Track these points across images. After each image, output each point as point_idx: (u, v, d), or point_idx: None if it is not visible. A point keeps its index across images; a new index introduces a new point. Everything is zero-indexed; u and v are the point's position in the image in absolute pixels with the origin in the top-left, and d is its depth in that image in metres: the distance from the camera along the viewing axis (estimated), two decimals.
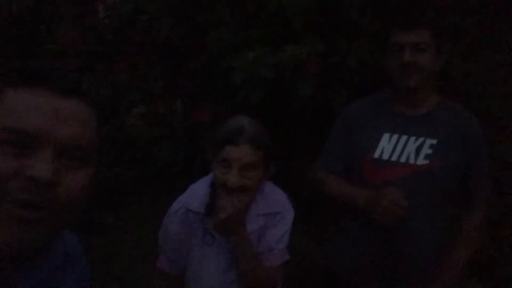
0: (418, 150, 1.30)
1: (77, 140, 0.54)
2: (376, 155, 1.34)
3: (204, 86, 2.11)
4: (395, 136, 1.34)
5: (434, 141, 1.30)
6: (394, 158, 1.32)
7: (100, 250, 2.70)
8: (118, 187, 2.99)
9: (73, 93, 0.56)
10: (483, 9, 2.00)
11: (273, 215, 1.20)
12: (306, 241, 1.29)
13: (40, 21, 3.69)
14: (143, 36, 2.15)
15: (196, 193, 1.21)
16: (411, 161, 1.30)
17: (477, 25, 1.96)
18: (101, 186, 2.81)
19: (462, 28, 1.92)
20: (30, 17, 3.59)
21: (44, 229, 0.52)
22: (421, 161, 1.29)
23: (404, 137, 1.33)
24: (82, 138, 0.55)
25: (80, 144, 0.55)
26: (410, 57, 1.27)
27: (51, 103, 0.53)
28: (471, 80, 1.93)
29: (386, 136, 1.34)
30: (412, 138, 1.32)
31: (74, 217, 0.57)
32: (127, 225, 3.09)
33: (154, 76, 2.29)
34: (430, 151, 1.29)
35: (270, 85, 1.71)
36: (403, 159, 1.31)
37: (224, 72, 1.82)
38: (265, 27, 1.79)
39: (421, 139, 1.31)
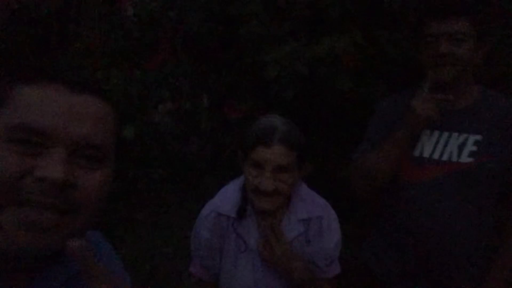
0: (461, 147, 1.22)
1: (92, 139, 0.51)
2: (416, 153, 1.26)
3: (234, 82, 2.06)
4: (436, 133, 1.26)
5: (479, 137, 1.22)
6: (435, 156, 1.24)
7: (131, 246, 2.73)
8: (147, 184, 3.00)
9: (88, 89, 0.53)
10: None
11: (314, 221, 1.13)
12: (342, 241, 1.23)
13: (68, 20, 3.74)
14: (172, 33, 2.11)
15: (227, 197, 1.15)
16: (454, 159, 1.22)
17: None
18: (131, 183, 2.83)
19: (510, 14, 1.79)
20: (58, 17, 3.64)
21: (59, 234, 0.49)
22: (465, 159, 1.21)
23: (446, 134, 1.25)
24: (98, 137, 0.52)
25: (95, 143, 0.51)
26: (445, 48, 1.18)
27: (64, 99, 0.50)
28: None
29: (425, 132, 1.27)
30: (455, 134, 1.24)
31: (91, 220, 0.54)
32: (156, 221, 3.10)
33: (182, 72, 2.26)
34: (474, 148, 1.21)
35: (305, 80, 1.63)
36: (445, 157, 1.23)
37: (255, 67, 1.76)
38: (298, 19, 1.71)
39: (464, 135, 1.23)
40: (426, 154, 1.26)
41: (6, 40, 3.18)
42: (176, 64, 2.23)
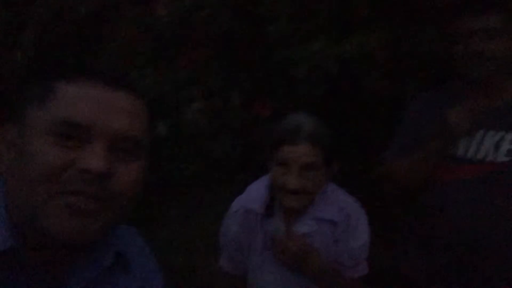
0: (498, 145, 1.19)
1: (128, 132, 0.54)
2: (450, 152, 1.23)
3: (264, 80, 2.08)
4: None
5: None
6: (470, 155, 1.21)
7: (163, 241, 2.81)
8: (179, 180, 3.07)
9: (123, 85, 0.56)
10: None
11: (335, 224, 1.12)
12: (373, 242, 1.22)
13: (104, 21, 3.88)
14: (202, 32, 2.16)
15: (255, 194, 1.17)
16: (490, 158, 1.19)
17: None
18: (164, 179, 2.92)
19: None
20: (94, 18, 3.79)
21: (100, 221, 0.52)
22: (501, 157, 1.18)
23: (481, 132, 1.22)
24: (134, 130, 0.55)
25: (132, 136, 0.54)
26: (480, 45, 1.15)
27: (102, 95, 0.53)
28: None
29: None
30: (490, 132, 1.21)
31: (127, 211, 0.57)
32: (188, 217, 3.18)
33: (213, 71, 2.30)
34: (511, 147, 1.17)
35: (334, 78, 1.63)
36: (480, 156, 1.20)
37: (284, 65, 1.77)
38: (327, 17, 1.70)
39: (500, 133, 1.20)
40: (460, 153, 1.23)
41: (48, 40, 3.35)
42: (207, 62, 2.28)
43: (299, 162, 1.02)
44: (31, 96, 0.54)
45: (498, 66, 1.18)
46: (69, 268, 0.57)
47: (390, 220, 1.71)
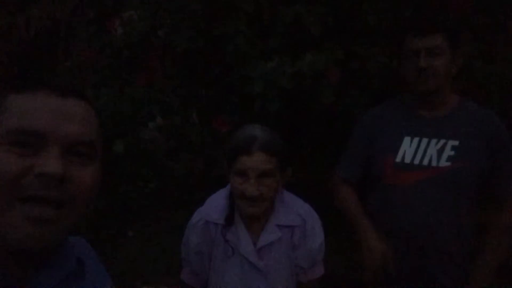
0: (440, 152, 1.30)
1: (81, 136, 0.56)
2: (398, 159, 1.35)
3: (222, 97, 2.12)
4: (416, 139, 1.34)
5: (456, 143, 1.30)
6: (416, 162, 1.33)
7: (121, 263, 2.72)
8: (137, 200, 3.01)
9: (72, 93, 0.58)
10: (504, 9, 1.99)
11: (293, 228, 1.19)
12: (327, 251, 1.28)
13: (57, 40, 3.79)
14: (161, 50, 2.18)
15: (215, 204, 1.21)
16: (434, 163, 1.30)
17: (498, 25, 1.94)
18: (121, 199, 2.84)
19: (482, 29, 1.90)
20: (47, 37, 3.69)
21: (59, 228, 0.54)
22: (443, 163, 1.29)
23: (425, 140, 1.34)
24: (86, 135, 0.57)
25: (84, 140, 0.57)
26: (425, 62, 1.29)
27: (53, 104, 0.55)
28: (493, 81, 1.91)
29: (407, 139, 1.35)
30: (433, 141, 1.32)
31: (83, 215, 0.58)
32: (147, 238, 3.10)
33: (172, 89, 2.31)
34: (452, 153, 1.29)
35: (289, 94, 1.71)
36: (425, 162, 1.31)
37: (241, 83, 1.82)
38: (282, 36, 1.79)
39: (442, 141, 1.32)
40: (407, 160, 1.33)
41: None
42: (166, 81, 2.29)
43: (255, 171, 1.08)
44: None
45: (442, 80, 1.31)
46: (33, 275, 0.57)
47: (343, 228, 1.77)
